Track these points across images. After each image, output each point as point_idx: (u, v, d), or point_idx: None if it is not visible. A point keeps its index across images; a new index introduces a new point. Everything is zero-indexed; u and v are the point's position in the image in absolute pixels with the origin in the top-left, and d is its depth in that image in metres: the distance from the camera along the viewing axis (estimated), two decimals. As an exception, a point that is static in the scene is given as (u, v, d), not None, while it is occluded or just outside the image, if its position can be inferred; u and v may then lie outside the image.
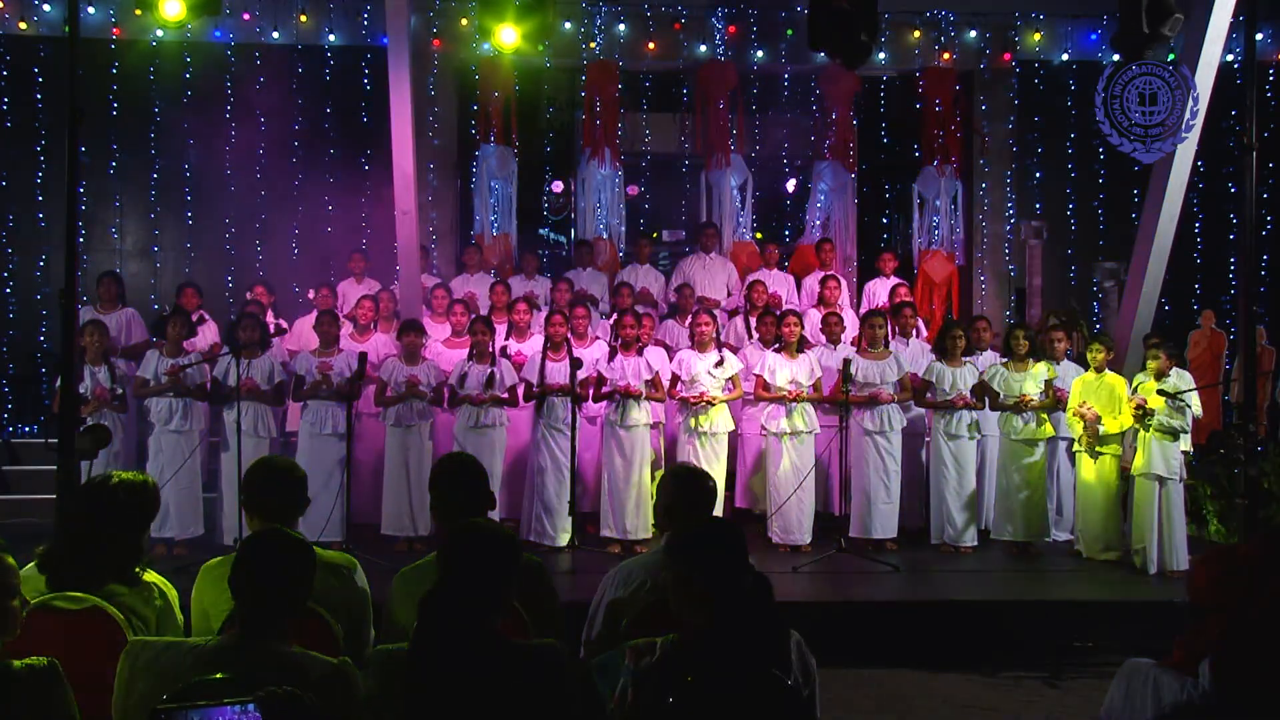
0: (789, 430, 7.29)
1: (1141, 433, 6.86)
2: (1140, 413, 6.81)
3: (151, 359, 7.21)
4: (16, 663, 2.26)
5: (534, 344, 7.72)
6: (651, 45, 10.83)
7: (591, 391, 7.33)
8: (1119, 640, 5.51)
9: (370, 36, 10.52)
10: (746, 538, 2.60)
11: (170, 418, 7.11)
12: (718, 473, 7.17)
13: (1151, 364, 7.03)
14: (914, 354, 7.93)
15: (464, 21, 10.53)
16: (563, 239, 12.29)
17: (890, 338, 7.82)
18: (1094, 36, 11.02)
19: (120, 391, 7.06)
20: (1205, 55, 7.84)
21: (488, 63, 10.50)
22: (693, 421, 7.29)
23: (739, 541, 2.58)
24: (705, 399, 7.19)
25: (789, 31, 10.82)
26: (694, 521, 2.86)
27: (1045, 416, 7.33)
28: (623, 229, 10.78)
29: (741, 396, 7.61)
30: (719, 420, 7.30)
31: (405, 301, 8.27)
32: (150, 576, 2.98)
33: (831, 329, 8.01)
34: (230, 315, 9.06)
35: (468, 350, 7.34)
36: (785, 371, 7.29)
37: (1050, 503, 7.53)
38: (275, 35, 10.39)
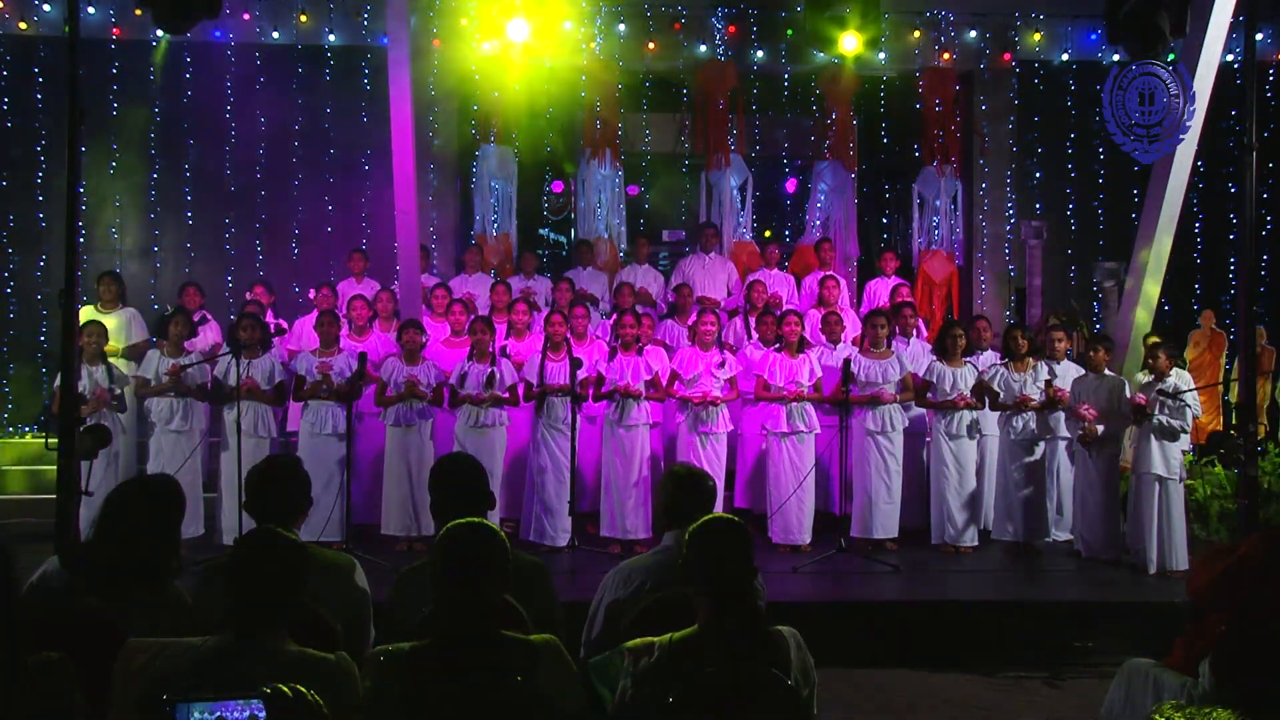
0: (789, 430, 7.29)
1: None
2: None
3: (152, 359, 7.22)
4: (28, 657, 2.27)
5: (534, 344, 7.72)
6: (651, 45, 10.83)
7: (591, 391, 7.33)
8: (1119, 640, 5.52)
9: (370, 36, 10.52)
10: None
11: (170, 418, 7.12)
12: (718, 473, 7.16)
13: (1151, 363, 7.04)
14: (915, 354, 7.92)
15: (464, 21, 10.52)
16: (563, 239, 12.29)
17: (891, 337, 7.83)
18: (1094, 36, 11.02)
19: (119, 391, 7.06)
20: (1205, 55, 7.83)
21: (488, 63, 10.49)
22: (694, 421, 7.29)
23: (745, 538, 2.59)
24: (708, 398, 7.19)
25: (789, 31, 10.82)
26: (695, 521, 2.86)
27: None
28: (623, 229, 10.78)
29: (741, 397, 7.61)
30: (719, 420, 7.30)
31: (405, 301, 8.27)
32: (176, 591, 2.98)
33: (831, 329, 8.00)
34: (230, 315, 9.06)
35: (468, 350, 7.34)
36: (785, 371, 7.29)
37: (1050, 503, 7.53)
38: (275, 35, 10.39)
